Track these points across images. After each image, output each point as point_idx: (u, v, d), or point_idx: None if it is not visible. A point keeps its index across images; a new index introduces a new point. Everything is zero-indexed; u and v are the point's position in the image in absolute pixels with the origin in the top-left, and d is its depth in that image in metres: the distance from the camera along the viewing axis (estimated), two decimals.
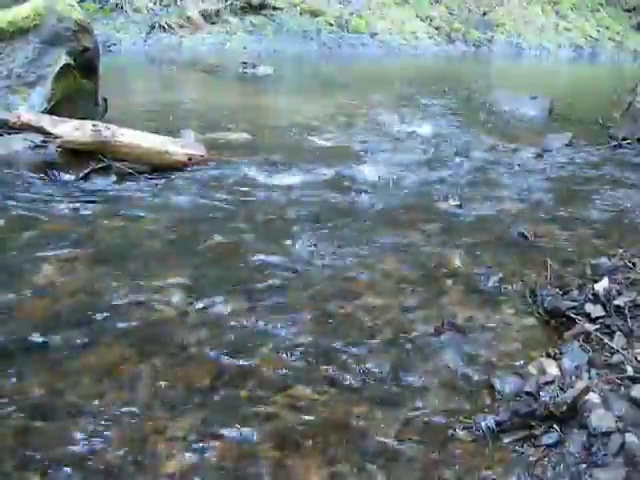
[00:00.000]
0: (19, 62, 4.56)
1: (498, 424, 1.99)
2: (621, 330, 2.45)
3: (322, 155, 4.94)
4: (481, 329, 2.58)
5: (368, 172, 4.54)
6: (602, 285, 2.71)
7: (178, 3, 12.20)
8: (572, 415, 1.98)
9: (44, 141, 4.19)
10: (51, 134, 3.89)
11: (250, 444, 1.89)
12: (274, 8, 13.24)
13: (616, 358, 2.30)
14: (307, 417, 2.02)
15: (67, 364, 2.19)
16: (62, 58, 4.60)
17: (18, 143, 4.22)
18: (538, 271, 3.08)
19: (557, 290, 2.82)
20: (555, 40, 16.34)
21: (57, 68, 4.58)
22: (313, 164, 4.63)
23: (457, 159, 5.05)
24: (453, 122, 6.56)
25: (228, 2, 12.66)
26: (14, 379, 2.09)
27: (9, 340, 2.29)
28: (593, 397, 2.04)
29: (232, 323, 2.51)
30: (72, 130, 3.89)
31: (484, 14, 15.85)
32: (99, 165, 3.98)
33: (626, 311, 2.54)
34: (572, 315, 2.59)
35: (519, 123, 7.00)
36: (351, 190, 4.14)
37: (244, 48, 12.14)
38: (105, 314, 2.50)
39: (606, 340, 2.39)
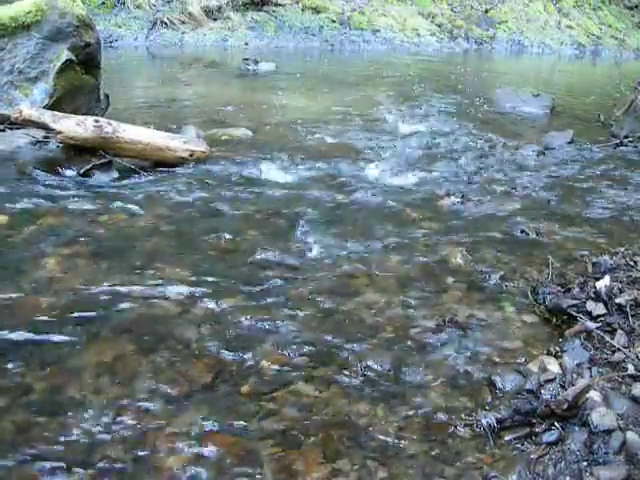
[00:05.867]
0: (21, 58, 4.55)
1: (499, 421, 1.99)
2: (622, 328, 2.45)
3: (323, 152, 4.94)
4: (482, 326, 2.58)
5: (369, 169, 4.54)
6: (604, 283, 2.71)
7: None
8: (573, 413, 1.98)
9: (46, 137, 4.19)
10: (53, 130, 3.89)
11: (251, 440, 1.90)
12: (276, 4, 13.21)
13: (617, 356, 2.30)
14: (308, 414, 2.02)
15: (68, 360, 2.19)
16: (64, 54, 4.60)
17: (20, 139, 4.22)
18: (539, 269, 3.08)
19: (558, 288, 2.82)
20: (557, 38, 16.30)
21: (59, 64, 4.58)
22: (314, 161, 4.62)
23: (458, 156, 5.04)
24: (454, 119, 6.55)
25: None
26: (15, 375, 2.10)
27: (10, 336, 2.29)
28: (594, 395, 2.05)
29: (233, 319, 2.51)
30: (74, 126, 3.89)
31: (486, 11, 15.81)
32: (100, 161, 3.98)
33: (627, 309, 2.54)
34: (573, 313, 2.59)
35: (521, 120, 6.99)
36: (352, 187, 4.13)
37: (246, 44, 12.11)
38: (106, 310, 2.50)
39: (607, 338, 2.39)
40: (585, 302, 2.65)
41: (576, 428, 1.95)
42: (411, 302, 2.73)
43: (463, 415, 2.05)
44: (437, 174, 4.57)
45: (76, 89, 4.74)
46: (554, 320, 2.63)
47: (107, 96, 5.16)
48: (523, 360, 2.35)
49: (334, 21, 13.63)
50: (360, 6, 14.24)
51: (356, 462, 1.84)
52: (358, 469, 1.82)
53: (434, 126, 6.15)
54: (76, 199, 3.59)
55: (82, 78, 4.79)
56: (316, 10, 13.62)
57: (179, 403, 2.03)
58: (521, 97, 7.63)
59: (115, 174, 3.98)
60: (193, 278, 2.80)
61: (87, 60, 4.80)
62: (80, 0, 4.88)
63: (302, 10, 13.52)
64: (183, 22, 11.95)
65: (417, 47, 13.93)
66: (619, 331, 2.44)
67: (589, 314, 2.57)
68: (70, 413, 1.95)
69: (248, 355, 2.29)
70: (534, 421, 2.00)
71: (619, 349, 2.32)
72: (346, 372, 2.24)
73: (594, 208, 4.03)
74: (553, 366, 2.26)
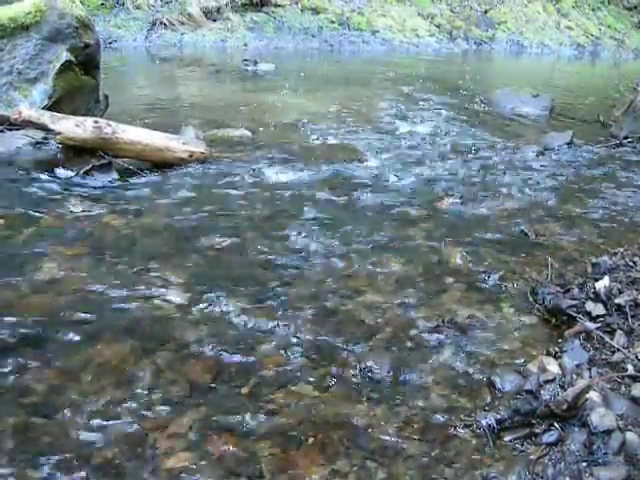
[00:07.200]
0: (20, 58, 4.55)
1: (499, 422, 1.99)
2: (622, 329, 2.45)
3: (323, 152, 4.94)
4: (482, 327, 2.58)
5: (369, 169, 4.54)
6: (603, 283, 2.71)
7: (179, 0, 12.18)
8: (573, 413, 1.98)
9: (45, 138, 4.19)
10: (52, 131, 3.89)
11: (251, 441, 1.89)
12: (275, 5, 13.22)
13: (617, 356, 2.30)
14: (308, 414, 2.02)
15: (68, 360, 2.19)
16: (63, 54, 4.59)
17: (19, 140, 4.22)
18: (539, 269, 3.08)
19: (558, 288, 2.82)
20: (556, 38, 16.32)
21: (58, 64, 4.57)
22: (314, 161, 4.62)
23: (458, 157, 5.05)
24: (454, 120, 6.56)
25: None
26: (15, 375, 2.10)
27: (10, 336, 2.29)
28: (594, 395, 2.04)
29: (233, 320, 2.51)
30: (73, 127, 3.89)
31: (485, 12, 15.83)
32: (100, 162, 3.97)
33: (627, 310, 2.54)
34: (573, 313, 2.59)
35: (520, 121, 6.99)
36: (352, 187, 4.13)
37: (245, 45, 12.12)
38: (106, 310, 2.50)
39: (607, 338, 2.39)
40: (584, 302, 2.65)
41: (576, 429, 1.95)
42: (410, 302, 2.73)
43: (462, 416, 2.05)
44: (436, 174, 4.58)
45: (75, 90, 4.74)
46: (553, 320, 2.63)
47: (106, 97, 5.16)
48: (522, 360, 2.35)
49: (333, 22, 13.64)
50: (359, 7, 14.25)
51: (355, 462, 1.84)
52: (357, 470, 1.82)
53: (433, 126, 6.15)
54: (76, 200, 3.59)
55: (81, 79, 4.78)
56: (315, 11, 13.63)
57: (179, 404, 2.03)
58: (520, 97, 7.63)
59: (114, 175, 3.98)
60: (192, 278, 2.80)
61: (86, 61, 4.79)
62: (79, 1, 4.88)
63: (301, 11, 13.54)
64: (182, 23, 11.96)
65: (416, 48, 13.94)
66: (618, 331, 2.44)
67: (588, 314, 2.57)
68: (70, 413, 1.95)
69: (248, 355, 2.29)
70: (534, 422, 2.00)
71: (618, 349, 2.32)
72: (346, 372, 2.24)
73: (593, 208, 4.03)
74: (552, 366, 2.26)
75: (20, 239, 3.08)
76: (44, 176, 3.86)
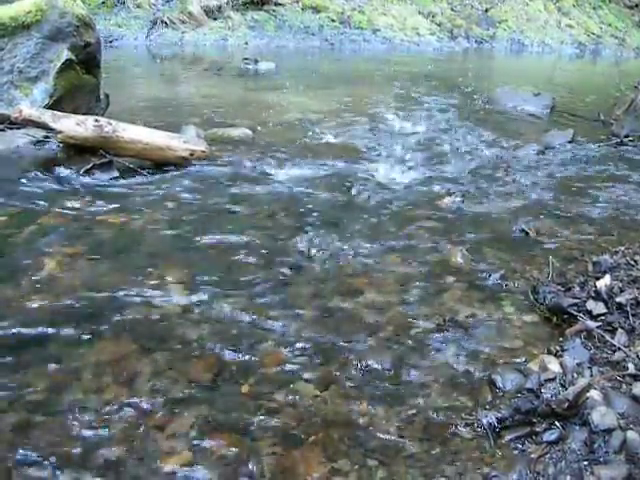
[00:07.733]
0: (21, 57, 4.55)
1: (499, 421, 1.99)
2: (623, 327, 2.45)
3: (324, 151, 4.94)
4: (483, 326, 2.58)
5: (369, 168, 4.54)
6: (604, 282, 2.71)
7: None
8: (574, 412, 1.98)
9: (46, 136, 4.19)
10: (53, 129, 3.89)
11: (252, 440, 1.89)
12: (276, 4, 13.21)
13: (618, 355, 2.30)
14: (308, 413, 2.02)
15: (68, 359, 2.19)
16: (64, 53, 4.59)
17: (20, 138, 4.22)
18: (540, 268, 3.08)
19: (559, 287, 2.82)
20: (557, 37, 16.31)
21: (59, 63, 4.58)
22: (314, 160, 4.62)
23: (459, 155, 5.04)
24: (455, 119, 6.55)
25: None
26: (15, 374, 2.10)
27: (10, 335, 2.29)
28: (595, 394, 2.05)
29: (234, 319, 2.51)
30: (74, 125, 3.89)
31: (486, 10, 15.81)
32: (101, 160, 3.97)
33: (628, 308, 2.54)
34: (574, 312, 2.59)
35: (521, 119, 6.99)
36: (352, 186, 4.13)
37: (246, 44, 12.11)
38: (106, 309, 2.50)
39: (608, 337, 2.39)
40: (585, 301, 2.65)
41: (576, 427, 1.95)
42: (411, 301, 2.73)
43: (463, 414, 2.05)
44: (437, 173, 4.57)
45: (76, 89, 4.74)
46: (554, 319, 2.63)
47: (107, 96, 5.16)
48: (523, 359, 2.35)
49: (334, 20, 13.63)
50: (360, 5, 14.24)
51: (356, 461, 1.84)
52: (358, 468, 1.82)
53: (434, 125, 6.14)
54: (76, 199, 3.59)
55: (82, 78, 4.78)
56: (316, 9, 13.63)
57: (180, 402, 2.03)
58: (522, 96, 7.63)
59: (115, 173, 3.98)
60: (193, 277, 2.80)
61: (87, 60, 4.79)
62: (80, 0, 4.88)
63: (302, 9, 13.52)
64: (183, 22, 11.95)
65: (417, 46, 13.93)
66: (619, 330, 2.44)
67: (589, 313, 2.57)
68: (70, 413, 1.95)
69: (248, 354, 2.29)
70: (534, 420, 2.00)
71: (619, 348, 2.32)
72: (346, 372, 2.24)
73: (594, 207, 4.03)
74: (553, 365, 2.26)
75: (21, 238, 3.08)
76: (45, 175, 3.86)
